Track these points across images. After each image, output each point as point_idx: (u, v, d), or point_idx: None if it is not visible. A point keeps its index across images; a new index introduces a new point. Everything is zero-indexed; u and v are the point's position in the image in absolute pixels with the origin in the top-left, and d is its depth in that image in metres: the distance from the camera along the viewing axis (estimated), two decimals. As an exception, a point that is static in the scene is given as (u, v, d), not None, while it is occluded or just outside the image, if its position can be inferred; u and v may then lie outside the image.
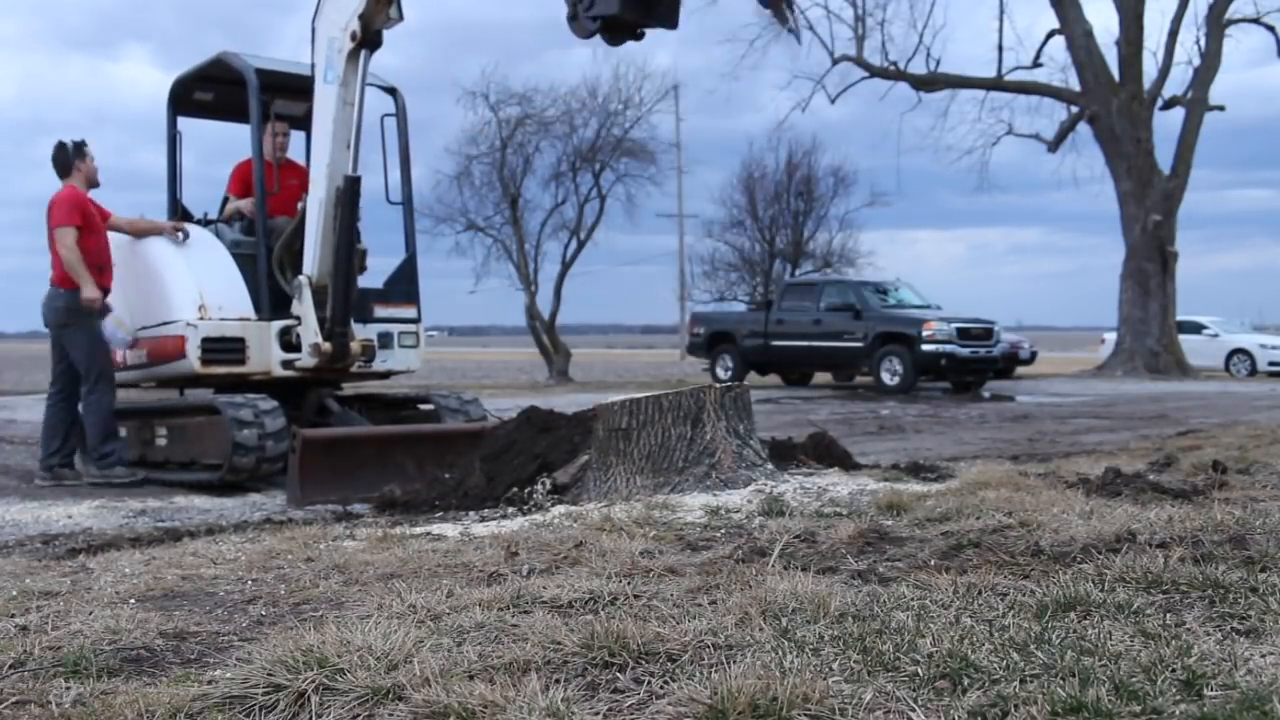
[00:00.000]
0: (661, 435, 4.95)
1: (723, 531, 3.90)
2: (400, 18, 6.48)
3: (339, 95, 6.56)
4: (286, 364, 6.87)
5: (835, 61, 27.71)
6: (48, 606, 2.93)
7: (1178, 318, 26.16)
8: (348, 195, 6.63)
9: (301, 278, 6.78)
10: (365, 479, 5.98)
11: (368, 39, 6.46)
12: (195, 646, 2.57)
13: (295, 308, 6.84)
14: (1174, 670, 2.06)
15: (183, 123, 7.86)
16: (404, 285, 7.61)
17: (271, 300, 6.98)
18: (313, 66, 6.68)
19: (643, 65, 42.70)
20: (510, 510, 4.77)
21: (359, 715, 2.01)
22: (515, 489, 5.03)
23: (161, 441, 7.05)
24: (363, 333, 7.10)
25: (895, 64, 27.71)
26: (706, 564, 3.23)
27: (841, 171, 34.68)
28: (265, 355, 6.89)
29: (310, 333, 6.74)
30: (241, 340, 6.87)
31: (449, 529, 4.28)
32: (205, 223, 7.62)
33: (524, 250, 26.04)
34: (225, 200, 7.68)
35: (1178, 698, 1.93)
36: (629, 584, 2.89)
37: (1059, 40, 26.72)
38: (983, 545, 3.29)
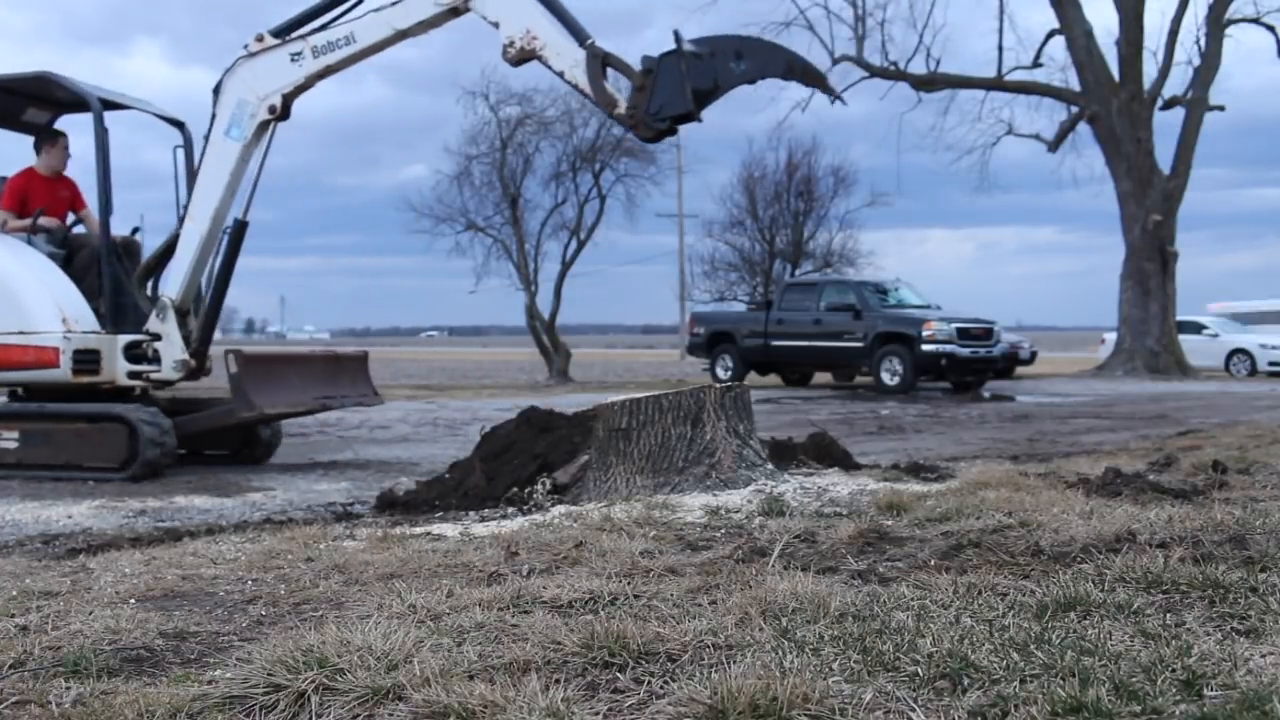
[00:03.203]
0: (661, 435, 4.95)
1: (723, 531, 3.90)
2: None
3: (239, 154, 7.08)
4: (134, 375, 7.47)
5: (835, 61, 27.70)
6: (48, 606, 2.93)
7: (1178, 318, 26.18)
8: (235, 236, 7.32)
9: (165, 298, 7.38)
10: (291, 388, 7.48)
11: (285, 114, 7.03)
12: (195, 646, 2.57)
13: (155, 325, 7.40)
14: (1174, 670, 2.06)
15: None
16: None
17: (113, 315, 7.55)
18: (213, 117, 7.13)
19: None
20: (510, 510, 4.77)
21: (359, 715, 2.01)
22: (515, 489, 5.03)
23: (11, 444, 7.28)
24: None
25: (895, 64, 27.73)
26: (706, 564, 3.23)
27: (842, 171, 34.73)
28: (113, 366, 7.45)
29: (175, 349, 7.39)
30: (98, 352, 7.39)
31: (449, 529, 4.27)
32: (31, 233, 7.79)
33: (524, 250, 26.08)
34: None
35: (1178, 698, 1.93)
36: (629, 584, 2.89)
37: (1059, 40, 26.77)
38: (983, 545, 3.29)
